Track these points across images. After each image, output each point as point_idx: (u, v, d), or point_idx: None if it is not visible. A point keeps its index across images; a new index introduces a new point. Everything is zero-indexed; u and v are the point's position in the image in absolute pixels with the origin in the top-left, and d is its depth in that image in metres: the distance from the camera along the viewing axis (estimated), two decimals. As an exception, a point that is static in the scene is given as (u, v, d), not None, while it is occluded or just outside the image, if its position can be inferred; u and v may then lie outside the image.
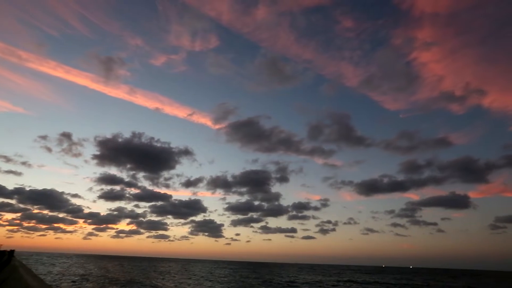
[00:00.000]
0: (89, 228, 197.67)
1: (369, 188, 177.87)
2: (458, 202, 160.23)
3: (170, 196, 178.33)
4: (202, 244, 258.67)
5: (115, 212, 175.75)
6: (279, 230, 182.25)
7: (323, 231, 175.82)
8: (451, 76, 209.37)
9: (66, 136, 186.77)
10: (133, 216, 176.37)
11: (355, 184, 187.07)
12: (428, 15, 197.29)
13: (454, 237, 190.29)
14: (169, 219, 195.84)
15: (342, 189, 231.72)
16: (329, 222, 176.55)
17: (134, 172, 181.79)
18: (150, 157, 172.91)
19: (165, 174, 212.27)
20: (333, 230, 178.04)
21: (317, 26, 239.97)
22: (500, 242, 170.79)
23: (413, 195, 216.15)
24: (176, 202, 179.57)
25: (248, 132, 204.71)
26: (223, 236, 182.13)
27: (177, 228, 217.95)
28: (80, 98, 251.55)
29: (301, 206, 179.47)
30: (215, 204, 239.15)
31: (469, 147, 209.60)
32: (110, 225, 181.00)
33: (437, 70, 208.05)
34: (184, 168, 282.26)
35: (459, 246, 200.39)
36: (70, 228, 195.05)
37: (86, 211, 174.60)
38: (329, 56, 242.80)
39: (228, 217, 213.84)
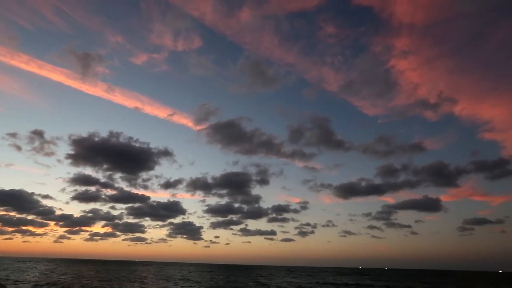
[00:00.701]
0: (61, 230, 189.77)
1: (348, 191, 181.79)
2: (431, 205, 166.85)
3: (148, 198, 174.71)
4: (180, 247, 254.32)
5: (90, 214, 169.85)
6: (259, 232, 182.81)
7: (302, 234, 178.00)
8: (426, 84, 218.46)
9: (38, 134, 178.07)
10: (108, 218, 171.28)
11: (334, 187, 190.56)
12: (405, 25, 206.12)
13: (426, 239, 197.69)
14: (147, 221, 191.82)
15: (322, 192, 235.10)
16: (308, 224, 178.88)
17: (110, 172, 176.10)
18: (128, 158, 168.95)
19: (144, 175, 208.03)
20: (312, 232, 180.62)
21: (300, 31, 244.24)
22: (467, 243, 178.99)
23: (389, 198, 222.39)
24: (155, 203, 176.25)
25: (229, 134, 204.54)
26: (202, 239, 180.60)
27: (154, 231, 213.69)
28: (54, 95, 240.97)
29: (281, 209, 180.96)
30: (195, 206, 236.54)
31: (441, 152, 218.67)
32: (83, 228, 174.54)
33: (413, 78, 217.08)
34: (164, 169, 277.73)
35: (431, 247, 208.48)
36: (40, 231, 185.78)
37: (58, 212, 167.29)
38: (311, 61, 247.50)
39: (208, 219, 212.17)
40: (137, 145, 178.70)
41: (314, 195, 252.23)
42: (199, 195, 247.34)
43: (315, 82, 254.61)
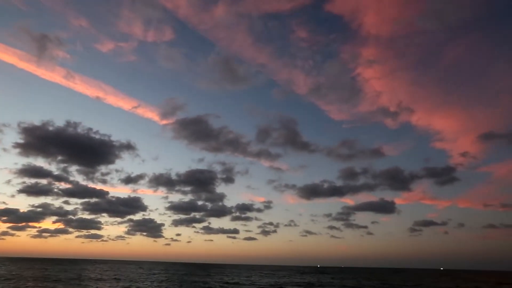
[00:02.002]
0: (4, 226, 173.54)
1: (310, 192, 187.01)
2: (386, 208, 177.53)
3: (107, 193, 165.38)
4: (139, 245, 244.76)
5: (39, 209, 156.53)
6: (222, 231, 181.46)
7: (265, 233, 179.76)
8: (388, 94, 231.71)
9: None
10: (61, 214, 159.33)
11: (298, 188, 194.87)
12: (372, 36, 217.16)
13: (380, 239, 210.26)
14: (104, 218, 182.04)
15: (285, 192, 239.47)
16: (271, 224, 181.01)
17: (65, 165, 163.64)
18: (86, 150, 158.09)
19: (103, 168, 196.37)
20: (274, 231, 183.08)
21: (273, 32, 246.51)
22: (416, 243, 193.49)
23: (349, 200, 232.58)
24: (113, 199, 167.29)
25: (196, 130, 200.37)
26: (163, 236, 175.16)
27: (112, 227, 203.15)
28: (3, 78, 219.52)
29: (244, 208, 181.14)
30: (157, 203, 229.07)
31: (398, 158, 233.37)
32: (31, 224, 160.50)
33: (377, 87, 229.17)
34: (125, 164, 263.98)
35: (384, 247, 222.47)
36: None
37: (1, 206, 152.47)
38: (282, 63, 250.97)
39: (170, 216, 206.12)
40: (97, 137, 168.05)
41: (278, 195, 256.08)
42: (162, 191, 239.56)
43: (284, 84, 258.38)
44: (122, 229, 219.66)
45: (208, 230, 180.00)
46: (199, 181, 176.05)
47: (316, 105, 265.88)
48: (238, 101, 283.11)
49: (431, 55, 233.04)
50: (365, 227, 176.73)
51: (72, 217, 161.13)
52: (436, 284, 45.83)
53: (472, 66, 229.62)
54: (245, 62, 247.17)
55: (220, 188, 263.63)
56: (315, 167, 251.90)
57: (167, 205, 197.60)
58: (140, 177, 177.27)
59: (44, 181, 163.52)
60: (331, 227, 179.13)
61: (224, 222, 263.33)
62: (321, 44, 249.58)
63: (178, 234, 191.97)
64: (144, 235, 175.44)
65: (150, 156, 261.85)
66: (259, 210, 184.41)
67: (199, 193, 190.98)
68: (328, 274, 78.25)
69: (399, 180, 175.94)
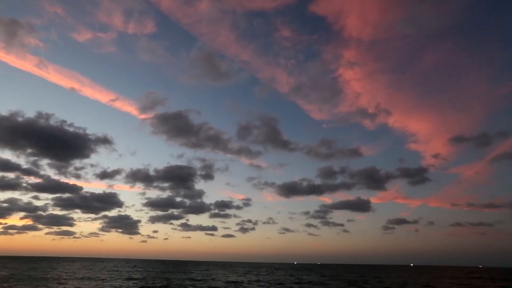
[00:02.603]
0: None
1: (289, 190, 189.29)
2: (362, 206, 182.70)
3: (81, 188, 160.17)
4: (114, 242, 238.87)
5: (5, 204, 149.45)
6: (200, 228, 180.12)
7: (243, 230, 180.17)
8: (367, 95, 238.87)
9: None
10: (30, 210, 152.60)
11: (277, 185, 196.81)
12: (354, 39, 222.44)
13: (356, 236, 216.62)
14: (77, 214, 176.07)
15: (265, 190, 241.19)
16: (249, 221, 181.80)
17: (36, 158, 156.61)
18: (59, 143, 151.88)
19: (77, 163, 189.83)
20: (253, 229, 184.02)
21: (257, 30, 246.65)
22: (389, 241, 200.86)
23: (326, 199, 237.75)
24: (87, 194, 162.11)
25: (175, 126, 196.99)
26: (139, 233, 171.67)
27: (85, 224, 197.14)
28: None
29: (223, 205, 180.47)
30: (133, 199, 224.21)
31: (374, 158, 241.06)
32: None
33: (357, 88, 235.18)
34: (101, 158, 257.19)
35: (359, 244, 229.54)
36: None
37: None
38: (266, 61, 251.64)
39: (147, 213, 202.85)
40: (71, 129, 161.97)
41: (258, 193, 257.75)
42: (139, 187, 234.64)
43: (266, 82, 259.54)
44: (96, 225, 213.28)
45: (186, 227, 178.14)
46: (178, 177, 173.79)
47: (297, 104, 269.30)
48: (220, 97, 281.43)
49: (409, 60, 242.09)
50: (342, 225, 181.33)
51: (42, 213, 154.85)
52: (395, 279, 47.74)
53: (446, 73, 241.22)
54: (228, 59, 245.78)
55: (199, 184, 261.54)
56: (295, 166, 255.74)
57: (144, 201, 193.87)
58: (116, 172, 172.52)
59: (11, 175, 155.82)
60: (309, 225, 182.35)
61: (203, 219, 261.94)
62: (304, 43, 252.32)
63: (155, 231, 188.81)
64: (119, 232, 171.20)
65: (127, 151, 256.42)
66: (238, 208, 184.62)
67: (178, 190, 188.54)
68: (294, 270, 79.74)
69: (375, 179, 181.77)
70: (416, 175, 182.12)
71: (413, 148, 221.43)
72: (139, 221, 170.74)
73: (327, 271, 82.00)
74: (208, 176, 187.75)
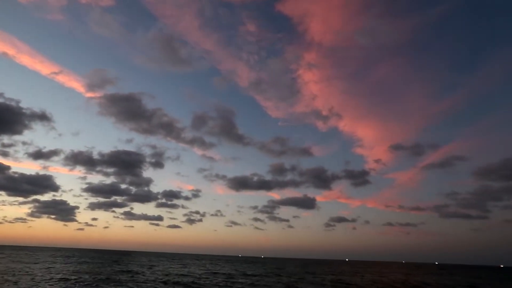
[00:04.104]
0: None
1: (240, 184, 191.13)
2: (308, 204, 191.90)
3: (8, 167, 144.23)
4: (45, 229, 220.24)
5: None
6: (144, 217, 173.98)
7: (190, 221, 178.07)
8: (322, 98, 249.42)
9: None
10: None
11: (228, 178, 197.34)
12: (316, 43, 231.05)
13: (300, 232, 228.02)
14: (1, 196, 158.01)
15: (215, 182, 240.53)
16: (197, 212, 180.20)
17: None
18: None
19: (5, 139, 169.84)
20: (200, 220, 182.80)
21: (223, 20, 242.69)
22: (329, 237, 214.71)
23: (275, 194, 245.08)
24: (16, 175, 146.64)
25: (126, 108, 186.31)
26: (76, 220, 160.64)
27: (11, 208, 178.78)
28: None
29: (172, 195, 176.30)
30: (72, 183, 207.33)
31: (323, 159, 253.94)
32: None
33: (314, 90, 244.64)
34: (36, 136, 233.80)
35: (303, 239, 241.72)
36: None
37: None
38: (228, 53, 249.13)
39: (86, 199, 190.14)
40: (1, 100, 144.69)
41: (208, 184, 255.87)
42: (79, 171, 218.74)
43: (227, 74, 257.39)
44: (24, 210, 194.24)
45: (130, 215, 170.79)
46: (125, 163, 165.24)
47: (255, 100, 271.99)
48: (177, 84, 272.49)
49: (364, 70, 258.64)
50: (287, 220, 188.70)
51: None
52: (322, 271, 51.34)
53: (394, 86, 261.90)
54: (189, 45, 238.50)
55: (148, 172, 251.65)
56: (247, 160, 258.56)
57: (84, 186, 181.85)
58: (54, 153, 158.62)
59: None
60: (256, 219, 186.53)
61: (148, 208, 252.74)
62: (268, 40, 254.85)
63: (94, 219, 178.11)
64: (52, 218, 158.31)
65: (68, 130, 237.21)
66: (186, 198, 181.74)
67: (123, 176, 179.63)
68: (249, 263, 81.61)
69: (322, 179, 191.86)
70: (359, 178, 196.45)
71: (358, 152, 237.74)
72: (76, 207, 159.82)
73: (268, 264, 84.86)
74: (157, 164, 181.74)
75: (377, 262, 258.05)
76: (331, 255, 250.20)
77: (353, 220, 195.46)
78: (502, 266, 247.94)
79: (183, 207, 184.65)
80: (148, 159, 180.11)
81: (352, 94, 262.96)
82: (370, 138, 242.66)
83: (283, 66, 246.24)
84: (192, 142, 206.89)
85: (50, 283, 23.27)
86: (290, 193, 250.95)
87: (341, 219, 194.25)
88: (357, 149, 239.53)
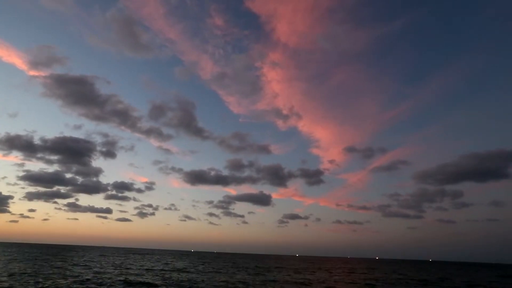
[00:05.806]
0: None
1: (196, 178, 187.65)
2: (263, 200, 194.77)
3: None
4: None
5: None
6: (91, 209, 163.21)
7: (142, 214, 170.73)
8: (284, 97, 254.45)
9: None
10: None
11: (184, 172, 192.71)
12: (281, 43, 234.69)
13: (254, 228, 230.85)
14: None
15: (171, 175, 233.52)
16: (150, 206, 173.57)
17: None
18: None
19: None
20: (153, 214, 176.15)
21: (190, 10, 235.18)
22: (282, 233, 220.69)
23: (232, 190, 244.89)
24: None
25: (76, 91, 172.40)
26: (9, 211, 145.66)
27: None
28: None
29: (123, 186, 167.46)
30: (6, 170, 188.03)
31: (281, 157, 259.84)
32: None
33: (276, 89, 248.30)
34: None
35: (257, 235, 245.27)
36: None
37: None
38: (193, 44, 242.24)
39: (23, 188, 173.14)
40: None
41: (163, 177, 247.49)
42: (16, 156, 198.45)
43: (189, 65, 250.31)
44: None
45: (74, 207, 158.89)
46: (72, 150, 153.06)
47: (218, 94, 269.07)
48: (135, 70, 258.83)
49: (324, 73, 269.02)
50: (242, 216, 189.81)
51: None
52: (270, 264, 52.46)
53: (350, 91, 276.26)
54: (152, 31, 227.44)
55: (98, 162, 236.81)
56: (205, 154, 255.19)
57: (22, 174, 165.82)
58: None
59: None
60: (211, 214, 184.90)
61: (96, 200, 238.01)
62: (234, 36, 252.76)
63: (32, 210, 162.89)
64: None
65: (5, 111, 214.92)
66: (139, 191, 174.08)
67: (69, 165, 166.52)
68: (197, 258, 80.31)
69: (278, 176, 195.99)
70: (314, 177, 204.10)
71: (315, 152, 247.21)
72: (10, 197, 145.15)
73: (219, 259, 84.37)
74: (109, 154, 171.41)
75: (326, 257, 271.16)
76: (284, 250, 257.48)
77: (306, 218, 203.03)
78: (431, 260, 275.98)
79: (134, 199, 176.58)
80: (98, 148, 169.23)
81: (312, 96, 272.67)
82: (326, 140, 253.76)
83: (247, 63, 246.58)
84: (148, 132, 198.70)
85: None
86: (246, 189, 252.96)
87: (294, 216, 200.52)
88: (313, 149, 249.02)
